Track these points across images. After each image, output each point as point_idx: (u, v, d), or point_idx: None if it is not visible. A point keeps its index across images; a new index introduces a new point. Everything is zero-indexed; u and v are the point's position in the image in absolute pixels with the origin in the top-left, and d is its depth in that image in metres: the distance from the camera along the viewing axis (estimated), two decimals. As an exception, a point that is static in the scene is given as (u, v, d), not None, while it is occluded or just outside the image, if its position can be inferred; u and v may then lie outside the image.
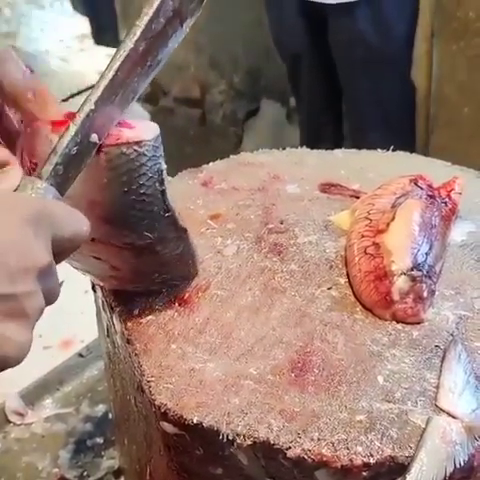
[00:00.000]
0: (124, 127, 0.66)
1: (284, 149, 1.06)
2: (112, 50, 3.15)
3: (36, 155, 0.64)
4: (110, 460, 1.14)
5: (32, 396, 1.25)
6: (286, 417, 0.65)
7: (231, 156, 1.04)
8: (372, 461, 0.62)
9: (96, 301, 0.89)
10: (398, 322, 0.74)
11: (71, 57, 3.55)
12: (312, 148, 1.07)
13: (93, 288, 0.88)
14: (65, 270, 1.48)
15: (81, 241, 0.59)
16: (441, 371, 0.69)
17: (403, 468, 0.62)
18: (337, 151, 1.06)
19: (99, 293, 0.85)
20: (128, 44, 0.64)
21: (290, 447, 0.63)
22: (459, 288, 0.78)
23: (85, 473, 1.13)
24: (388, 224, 0.79)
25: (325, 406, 0.66)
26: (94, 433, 1.19)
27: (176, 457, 0.70)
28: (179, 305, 0.77)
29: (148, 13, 0.64)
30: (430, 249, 0.77)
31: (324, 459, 0.63)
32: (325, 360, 0.70)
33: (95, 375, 1.30)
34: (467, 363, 0.69)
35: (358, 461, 0.62)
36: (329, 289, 0.78)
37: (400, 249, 0.76)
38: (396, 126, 2.15)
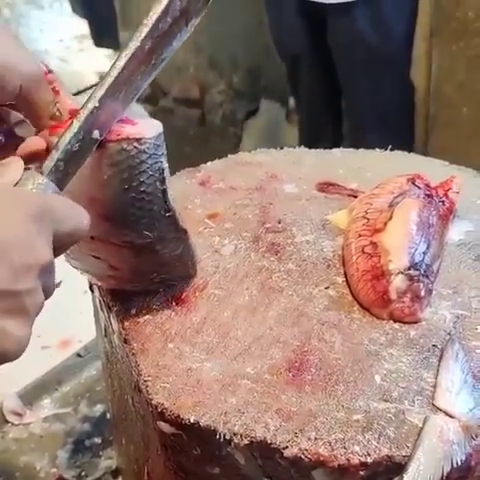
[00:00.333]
0: (127, 124, 0.66)
1: (282, 149, 1.06)
2: (111, 51, 3.16)
3: None
4: (108, 460, 1.14)
5: (30, 396, 1.25)
6: (283, 416, 0.65)
7: (229, 156, 1.04)
8: (369, 460, 0.62)
9: (94, 301, 0.89)
10: (395, 321, 0.74)
11: (70, 57, 3.55)
12: (311, 148, 1.07)
13: (91, 288, 0.88)
14: (64, 270, 1.48)
15: (81, 235, 0.59)
16: (438, 370, 0.69)
17: (400, 467, 0.62)
18: (335, 150, 1.06)
19: (97, 293, 0.84)
20: (135, 42, 0.64)
21: (287, 446, 0.63)
22: (456, 287, 0.78)
23: (83, 473, 1.13)
24: (386, 223, 0.79)
25: (322, 405, 0.66)
26: (92, 433, 1.19)
27: (173, 457, 0.70)
28: (176, 304, 0.77)
29: (156, 12, 0.64)
30: (428, 248, 0.77)
31: (321, 458, 0.62)
32: (322, 359, 0.70)
33: (93, 375, 1.30)
34: (464, 362, 0.69)
35: (355, 460, 0.62)
36: (326, 288, 0.78)
37: (397, 248, 0.76)
38: (395, 126, 2.15)
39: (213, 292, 0.78)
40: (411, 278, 0.74)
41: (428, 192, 0.83)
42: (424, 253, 0.76)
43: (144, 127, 0.66)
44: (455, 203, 0.85)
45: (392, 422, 0.65)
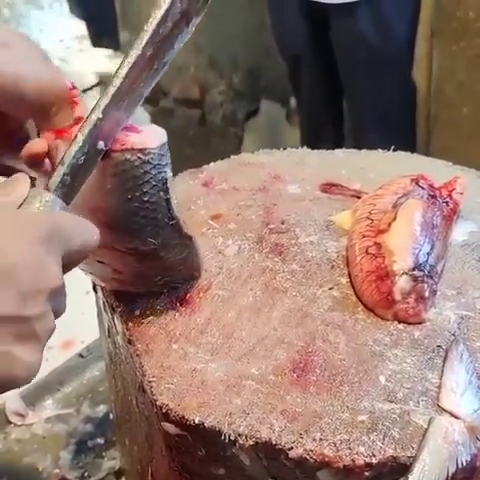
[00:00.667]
0: (131, 132, 0.65)
1: (285, 149, 1.06)
2: (112, 51, 3.16)
3: None
4: (111, 461, 1.14)
5: (33, 397, 1.25)
6: (288, 417, 0.65)
7: (232, 156, 1.04)
8: (374, 461, 0.62)
9: (97, 302, 0.89)
10: (400, 322, 0.74)
11: (71, 58, 3.55)
12: (312, 148, 1.07)
13: (94, 289, 0.88)
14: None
15: (91, 251, 0.59)
16: (443, 371, 0.69)
17: (405, 468, 0.62)
18: (338, 151, 1.06)
19: (100, 294, 0.84)
20: (136, 50, 0.63)
21: (292, 447, 0.63)
22: (461, 288, 0.78)
23: (86, 474, 1.13)
24: (389, 224, 0.79)
25: (327, 406, 0.66)
26: (95, 434, 1.19)
27: (178, 458, 0.70)
28: (180, 305, 0.77)
29: (156, 17, 0.64)
30: (432, 249, 0.77)
31: (326, 459, 0.62)
32: (327, 360, 0.70)
33: (96, 376, 1.29)
34: (469, 363, 0.69)
35: (360, 461, 0.62)
36: (330, 289, 0.78)
37: (402, 249, 0.76)
38: (397, 126, 2.16)
39: (217, 293, 0.78)
40: (415, 279, 0.74)
41: (432, 193, 0.83)
42: (428, 254, 0.76)
43: (148, 136, 0.66)
44: (459, 204, 0.85)
45: (397, 423, 0.65)
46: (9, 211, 0.56)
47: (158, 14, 0.64)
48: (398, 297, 0.74)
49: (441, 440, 0.63)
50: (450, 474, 0.62)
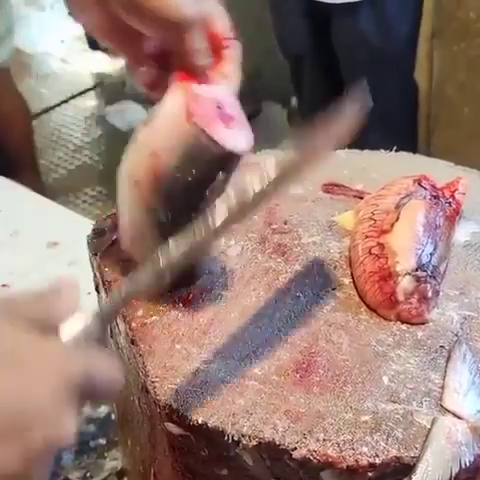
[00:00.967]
0: (225, 120, 0.66)
1: (286, 150, 1.06)
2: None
3: None
4: (113, 461, 1.14)
5: (34, 397, 1.25)
6: (291, 418, 0.65)
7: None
8: (378, 462, 0.62)
9: (99, 302, 0.89)
10: (403, 322, 0.74)
11: (72, 58, 3.55)
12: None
13: (96, 289, 0.88)
14: (67, 271, 1.48)
15: (111, 397, 0.56)
16: (446, 371, 0.69)
17: (409, 468, 0.62)
18: (340, 151, 1.06)
19: (102, 294, 0.85)
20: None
21: (295, 448, 0.63)
22: (463, 288, 0.78)
23: (88, 474, 1.13)
24: (392, 224, 0.79)
25: (330, 407, 0.66)
26: (97, 434, 1.19)
27: (181, 458, 0.70)
28: (183, 306, 0.77)
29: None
30: (434, 249, 0.77)
31: (330, 460, 0.62)
32: (330, 360, 0.70)
33: (98, 376, 1.29)
34: (472, 363, 0.69)
35: (364, 462, 0.62)
36: (333, 290, 0.78)
37: (404, 249, 0.76)
38: (399, 126, 2.15)
39: (220, 293, 0.78)
40: (418, 279, 0.74)
41: (434, 193, 0.83)
42: (431, 254, 0.76)
43: (238, 135, 0.66)
44: (461, 204, 0.85)
45: (400, 423, 0.65)
46: (42, 341, 0.51)
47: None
48: (401, 297, 0.74)
49: (444, 440, 0.63)
50: (453, 474, 0.62)
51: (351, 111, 0.62)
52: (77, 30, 3.41)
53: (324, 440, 0.63)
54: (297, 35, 2.20)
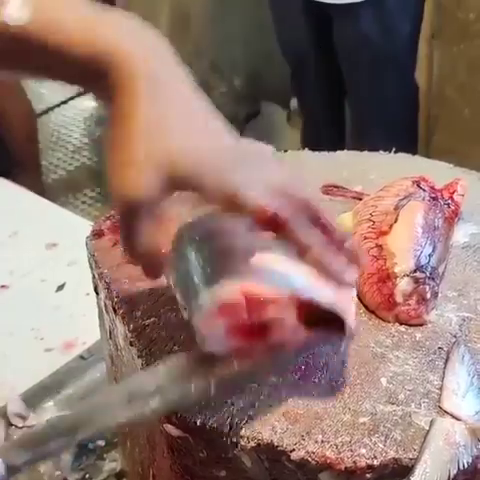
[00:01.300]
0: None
1: (285, 151, 1.06)
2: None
3: None
4: (112, 462, 1.14)
5: (34, 399, 1.25)
6: (290, 419, 0.65)
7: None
8: (376, 463, 0.62)
9: (98, 303, 0.89)
10: (401, 324, 0.74)
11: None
12: (313, 148, 1.07)
13: (95, 290, 0.88)
14: (66, 273, 1.48)
15: None
16: (444, 373, 0.69)
17: (407, 470, 0.62)
18: (339, 153, 1.06)
19: (102, 295, 0.85)
20: None
21: (294, 449, 0.63)
22: (462, 290, 0.78)
23: (87, 476, 1.13)
24: (391, 226, 0.79)
25: (328, 408, 0.66)
26: (96, 436, 1.19)
27: (179, 459, 0.70)
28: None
29: None
30: (433, 251, 0.77)
31: (328, 461, 0.62)
32: (328, 362, 0.70)
33: (97, 378, 1.29)
34: (471, 365, 0.69)
35: (362, 463, 0.62)
36: (332, 291, 0.78)
37: (403, 251, 0.76)
38: (400, 127, 2.15)
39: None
40: (417, 281, 0.74)
41: (433, 195, 0.83)
42: (430, 256, 0.76)
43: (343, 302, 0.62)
44: (460, 206, 0.85)
45: (398, 425, 0.65)
46: None
47: None
48: (399, 299, 0.74)
49: (443, 442, 0.63)
50: (451, 476, 0.62)
51: None
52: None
53: (322, 441, 0.63)
54: (298, 36, 2.19)
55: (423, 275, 0.75)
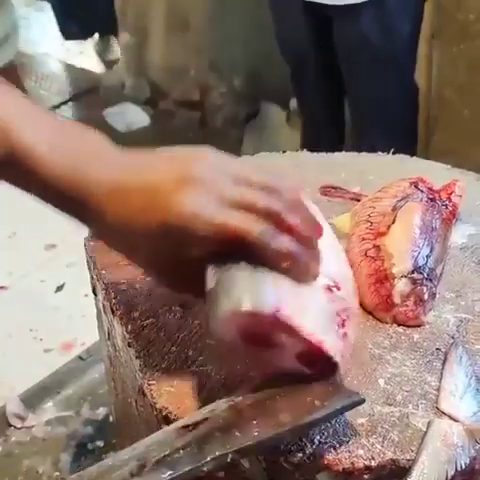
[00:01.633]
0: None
1: (284, 152, 1.06)
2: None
3: None
4: (111, 463, 1.14)
5: (33, 399, 1.25)
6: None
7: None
8: (373, 464, 0.62)
9: (97, 304, 0.89)
10: (399, 325, 0.74)
11: (71, 59, 3.55)
12: (313, 148, 1.07)
13: (94, 291, 0.88)
14: (65, 274, 1.48)
15: None
16: (442, 374, 0.69)
17: (404, 471, 0.62)
18: (337, 154, 1.06)
19: (100, 296, 0.85)
20: None
21: (292, 450, 0.63)
22: (460, 291, 0.78)
23: (86, 476, 1.13)
24: (389, 227, 0.79)
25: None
26: (95, 436, 1.19)
27: (178, 460, 0.70)
28: (180, 308, 0.77)
29: None
30: (431, 252, 0.77)
31: (326, 462, 0.62)
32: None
33: (96, 378, 1.30)
34: (468, 366, 0.69)
35: (360, 464, 0.62)
36: (330, 292, 0.78)
37: (401, 252, 0.76)
38: (399, 127, 2.15)
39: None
40: (414, 282, 0.74)
41: (431, 196, 0.83)
42: (427, 257, 0.76)
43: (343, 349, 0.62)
44: (458, 206, 0.85)
45: (396, 426, 0.65)
46: None
47: None
48: (397, 300, 0.74)
49: (440, 443, 0.63)
50: (449, 477, 0.62)
51: None
52: (77, 31, 3.42)
53: (320, 443, 0.63)
54: (297, 36, 2.19)
55: (421, 276, 0.75)
